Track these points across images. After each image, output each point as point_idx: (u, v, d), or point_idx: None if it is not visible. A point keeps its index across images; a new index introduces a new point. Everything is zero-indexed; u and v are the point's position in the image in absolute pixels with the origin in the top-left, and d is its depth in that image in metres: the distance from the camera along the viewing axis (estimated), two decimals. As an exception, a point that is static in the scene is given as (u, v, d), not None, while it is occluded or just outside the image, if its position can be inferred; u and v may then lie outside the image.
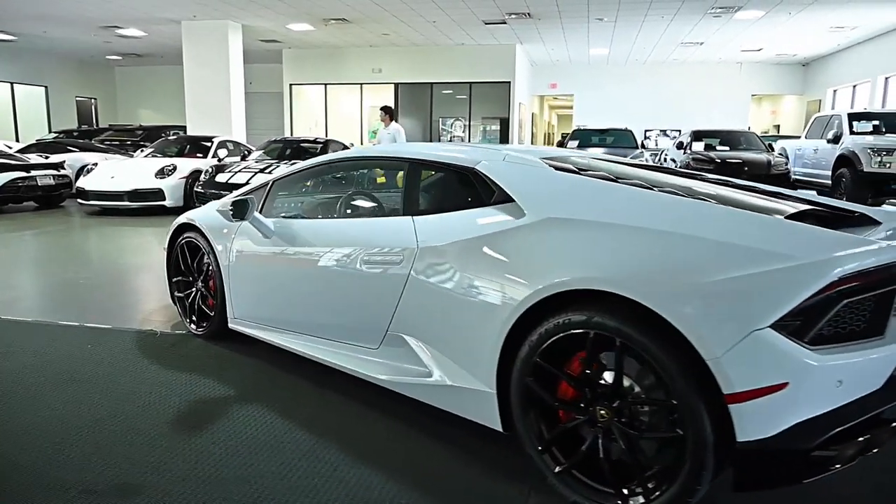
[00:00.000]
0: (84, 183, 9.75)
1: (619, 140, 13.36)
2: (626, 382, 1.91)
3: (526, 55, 18.44)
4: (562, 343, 1.98)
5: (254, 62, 18.21)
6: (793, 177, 11.49)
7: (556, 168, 2.48)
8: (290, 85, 18.88)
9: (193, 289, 3.72)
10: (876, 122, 10.72)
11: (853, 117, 10.99)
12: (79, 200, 9.90)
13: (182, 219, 3.74)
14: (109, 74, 23.47)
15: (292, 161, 9.86)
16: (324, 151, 10.69)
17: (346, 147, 11.32)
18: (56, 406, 2.72)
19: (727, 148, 12.45)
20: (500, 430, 2.19)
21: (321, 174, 3.61)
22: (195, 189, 9.40)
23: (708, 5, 12.11)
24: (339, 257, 2.78)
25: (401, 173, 3.78)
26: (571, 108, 32.22)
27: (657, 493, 1.81)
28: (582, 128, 13.89)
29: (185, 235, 3.70)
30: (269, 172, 9.21)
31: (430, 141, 18.57)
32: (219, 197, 9.12)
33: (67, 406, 2.72)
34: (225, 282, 3.38)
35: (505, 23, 14.15)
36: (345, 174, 3.81)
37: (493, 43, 16.76)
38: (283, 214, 3.34)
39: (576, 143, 13.20)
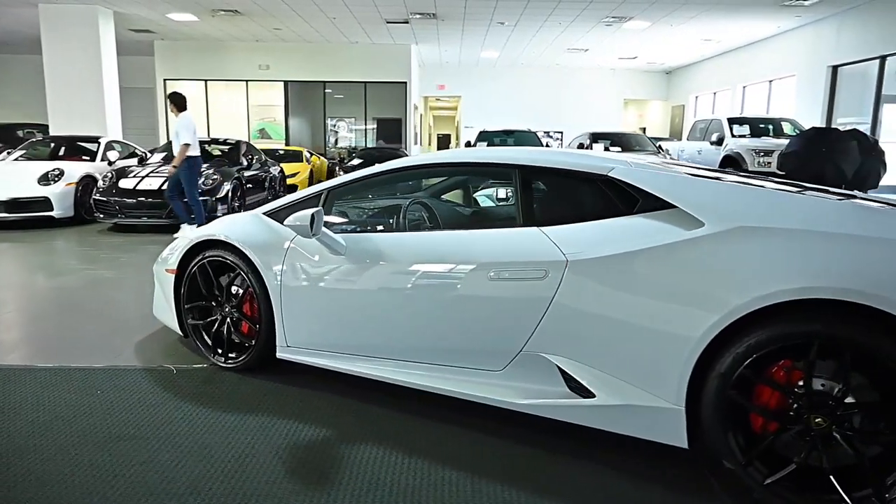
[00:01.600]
0: (-56, 192, 8.17)
1: (523, 141, 13.75)
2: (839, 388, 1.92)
3: (417, 56, 18.40)
4: (771, 354, 1.96)
5: (119, 54, 16.40)
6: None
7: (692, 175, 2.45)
8: (165, 80, 17.27)
9: (218, 315, 3.22)
10: (749, 125, 12.02)
11: (732, 121, 12.25)
12: (-64, 213, 8.28)
13: (201, 234, 3.22)
14: (-72, 63, 19.96)
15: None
16: (234, 152, 9.90)
17: (250, 146, 10.57)
18: (123, 472, 2.21)
19: (619, 149, 13.31)
20: (686, 446, 2.11)
21: (393, 182, 3.27)
22: (94, 197, 8.25)
23: (603, 14, 12.84)
24: (449, 274, 2.53)
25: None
26: (449, 109, 32.87)
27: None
28: (487, 129, 14.12)
29: (206, 254, 3.19)
30: (185, 177, 8.32)
31: (323, 141, 17.94)
32: (125, 206, 8.13)
33: (138, 470, 2.22)
34: (275, 306, 2.96)
35: (407, 22, 14.01)
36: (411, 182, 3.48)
37: (388, 43, 16.53)
38: (349, 228, 2.98)
39: (484, 144, 13.39)
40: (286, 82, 17.41)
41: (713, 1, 11.56)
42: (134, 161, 9.91)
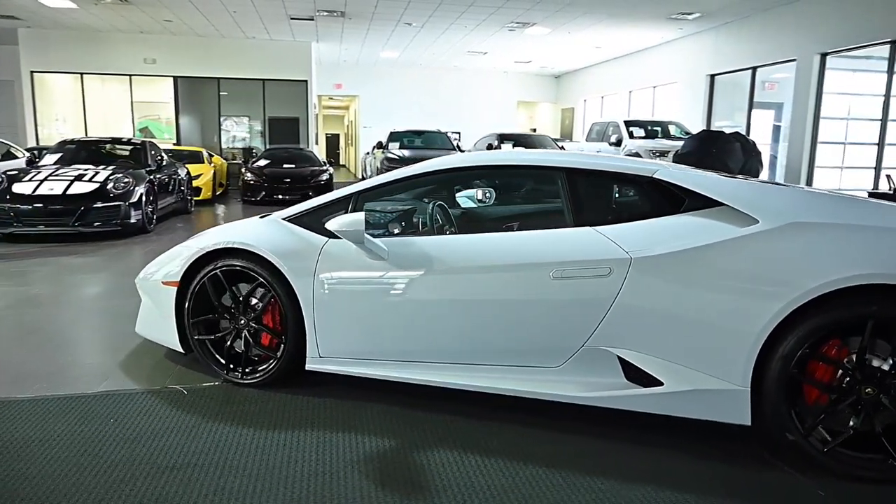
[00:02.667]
0: None
1: (432, 141, 13.90)
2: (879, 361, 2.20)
3: (316, 54, 17.96)
4: (825, 335, 2.20)
5: (-26, 42, 14.57)
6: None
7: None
8: (32, 72, 15.51)
9: (232, 329, 3.02)
10: (647, 128, 13.00)
11: (628, 124, 13.17)
12: None
13: (212, 243, 2.99)
14: None
15: (84, 164, 8.17)
16: (141, 153, 9.15)
17: (155, 147, 9.82)
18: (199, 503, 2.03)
19: (522, 149, 13.87)
20: (749, 423, 2.31)
21: (429, 184, 3.20)
22: (-17, 203, 7.27)
23: (509, 19, 13.27)
24: (507, 275, 2.57)
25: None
26: (339, 108, 32.36)
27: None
28: (397, 130, 14.10)
29: (218, 263, 2.98)
30: (91, 180, 7.61)
31: (217, 140, 17.01)
32: (23, 213, 7.22)
33: (213, 500, 2.05)
34: (307, 315, 2.83)
35: (312, 19, 13.64)
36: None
37: (288, 40, 16.00)
38: (379, 232, 2.91)
39: (396, 144, 13.38)
40: (176, 78, 16.28)
41: (610, 12, 12.35)
42: (15, 162, 8.87)
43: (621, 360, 2.47)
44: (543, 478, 2.23)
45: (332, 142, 38.18)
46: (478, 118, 21.22)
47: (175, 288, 3.07)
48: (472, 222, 3.16)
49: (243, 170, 12.88)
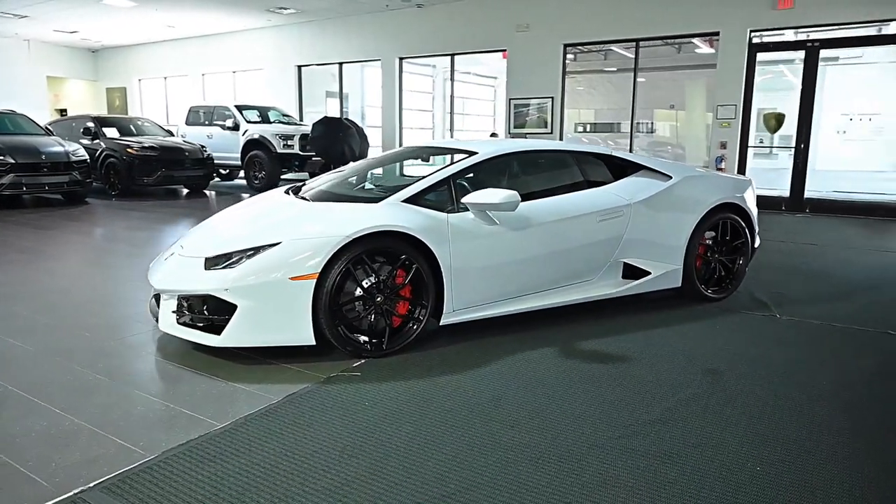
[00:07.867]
0: None
1: (15, 125, 11.11)
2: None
3: None
4: (707, 229, 4.38)
5: None
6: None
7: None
8: None
9: (371, 308, 3.25)
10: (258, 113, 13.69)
11: (240, 108, 13.60)
12: None
13: (356, 227, 3.13)
14: None
15: None
16: None
17: None
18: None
19: (118, 133, 12.64)
20: (680, 285, 4.32)
21: (496, 166, 3.85)
22: None
23: (93, -14, 11.74)
24: (574, 222, 3.84)
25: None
26: None
27: (724, 286, 4.59)
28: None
29: (361, 247, 3.14)
30: None
31: None
32: None
33: (592, 407, 2.80)
34: (445, 279, 3.39)
35: None
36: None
37: None
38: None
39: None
40: None
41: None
42: None
43: (626, 265, 4.12)
44: (619, 341, 3.73)
45: None
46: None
47: (313, 280, 3.06)
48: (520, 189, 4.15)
49: None
